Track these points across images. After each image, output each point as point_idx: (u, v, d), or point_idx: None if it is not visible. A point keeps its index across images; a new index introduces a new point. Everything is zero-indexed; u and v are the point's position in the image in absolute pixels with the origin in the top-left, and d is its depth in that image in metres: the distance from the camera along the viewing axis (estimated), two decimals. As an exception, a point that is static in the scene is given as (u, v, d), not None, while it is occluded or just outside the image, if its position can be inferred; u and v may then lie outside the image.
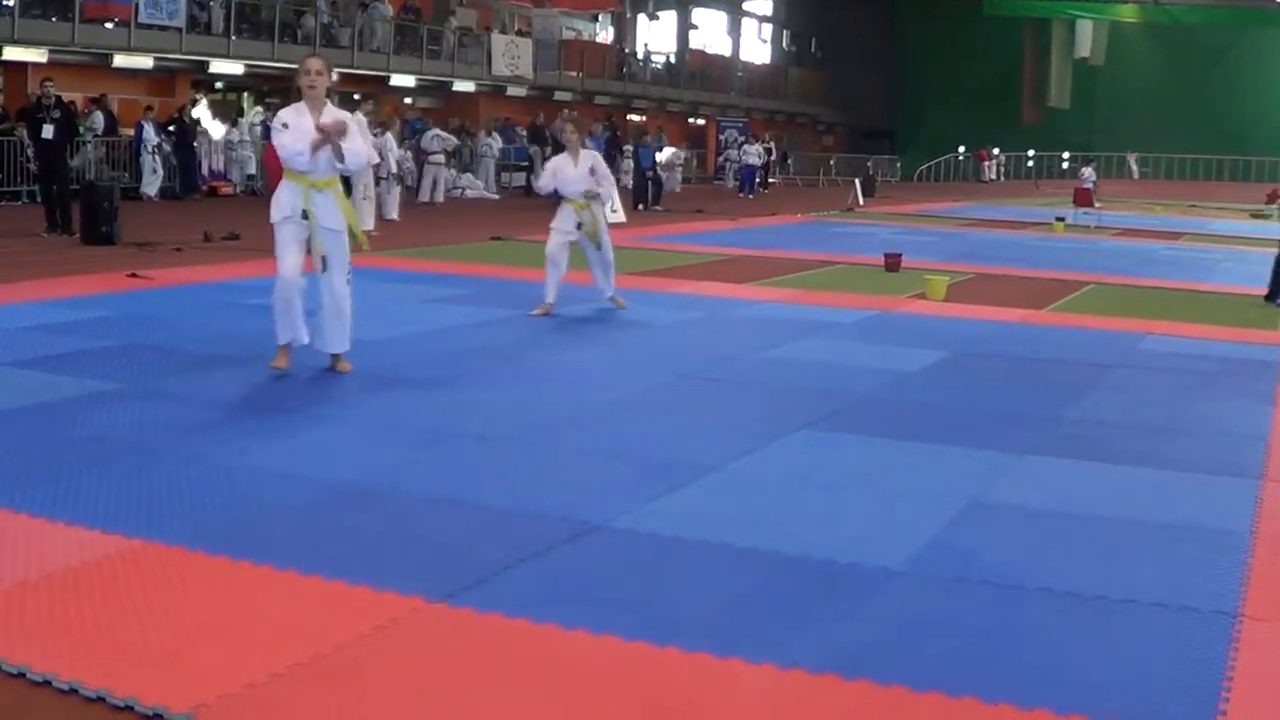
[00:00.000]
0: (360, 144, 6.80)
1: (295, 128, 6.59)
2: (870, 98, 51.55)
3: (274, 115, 7.03)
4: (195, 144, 22.68)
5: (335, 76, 6.76)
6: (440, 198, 23.91)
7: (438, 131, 24.46)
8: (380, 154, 16.97)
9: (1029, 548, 4.38)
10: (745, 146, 34.02)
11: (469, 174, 27.38)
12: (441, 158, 24.17)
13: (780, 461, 5.47)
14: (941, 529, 4.54)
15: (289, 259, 6.68)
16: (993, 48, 49.53)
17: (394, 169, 18.87)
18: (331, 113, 6.66)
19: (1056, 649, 3.49)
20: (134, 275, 10.72)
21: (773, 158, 36.69)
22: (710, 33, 47.02)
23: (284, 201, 6.72)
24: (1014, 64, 50.70)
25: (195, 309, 9.16)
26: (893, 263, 13.99)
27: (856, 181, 31.87)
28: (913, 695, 3.15)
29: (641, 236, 17.64)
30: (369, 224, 16.06)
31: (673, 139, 37.46)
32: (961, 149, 49.57)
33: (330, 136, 6.48)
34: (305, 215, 6.63)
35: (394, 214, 18.52)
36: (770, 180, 35.93)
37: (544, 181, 10.19)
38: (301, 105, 6.70)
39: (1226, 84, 48.51)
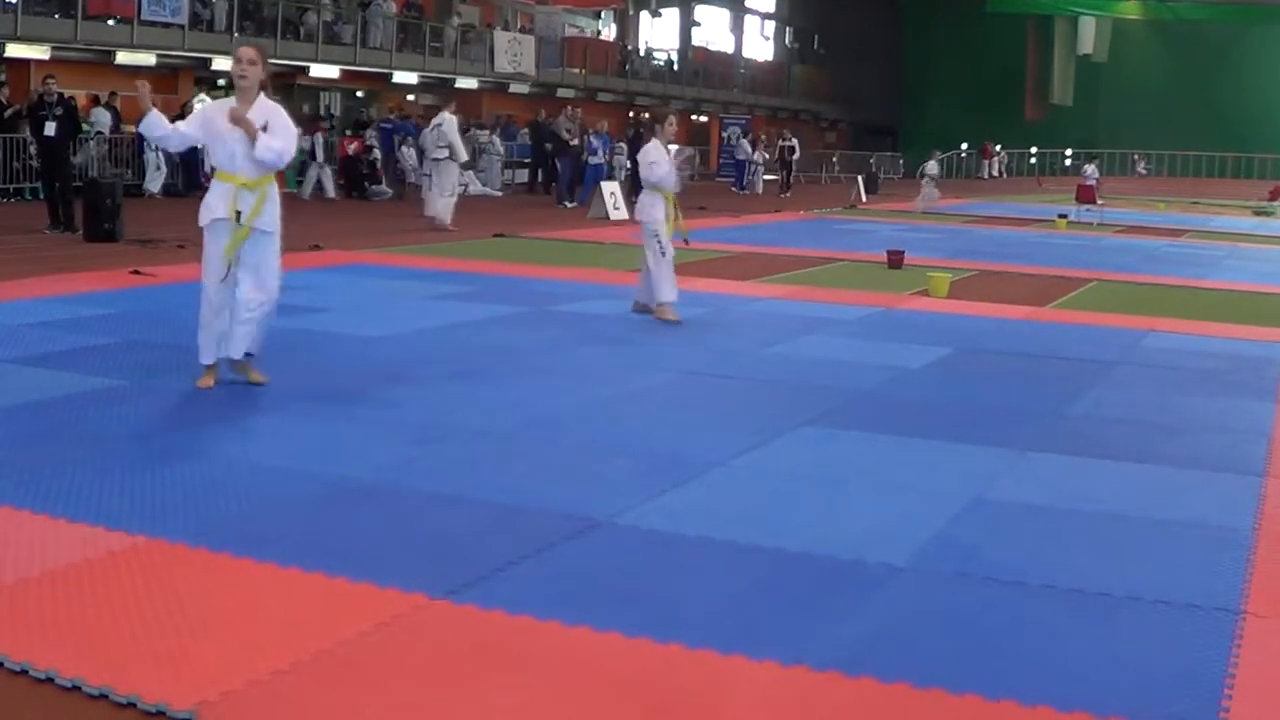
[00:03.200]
0: (279, 141, 6.21)
1: (200, 118, 6.37)
2: (873, 95, 51.52)
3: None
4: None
5: (265, 71, 6.29)
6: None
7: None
8: (442, 141, 17.72)
9: (1031, 544, 4.38)
10: (741, 142, 33.86)
11: (470, 170, 27.41)
12: (444, 153, 24.21)
13: (783, 458, 5.47)
14: (944, 526, 4.54)
15: (218, 267, 6.26)
16: (996, 44, 49.48)
17: (466, 156, 19.62)
18: (262, 106, 6.23)
19: (1059, 646, 3.48)
20: (137, 272, 10.72)
21: (796, 156, 33.01)
22: (713, 30, 47.01)
23: (212, 203, 6.25)
24: (1017, 61, 50.66)
25: (198, 306, 9.14)
26: (895, 260, 13.98)
27: (859, 178, 31.83)
28: (915, 692, 3.15)
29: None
30: (447, 219, 16.88)
31: (676, 136, 37.33)
32: (964, 146, 49.54)
33: (243, 125, 6.13)
34: (238, 218, 6.18)
35: (446, 218, 18.89)
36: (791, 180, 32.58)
37: (658, 171, 9.25)
38: (229, 100, 6.32)
39: (1229, 81, 48.46)
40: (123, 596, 3.55)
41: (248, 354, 6.40)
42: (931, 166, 29.85)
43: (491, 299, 10.10)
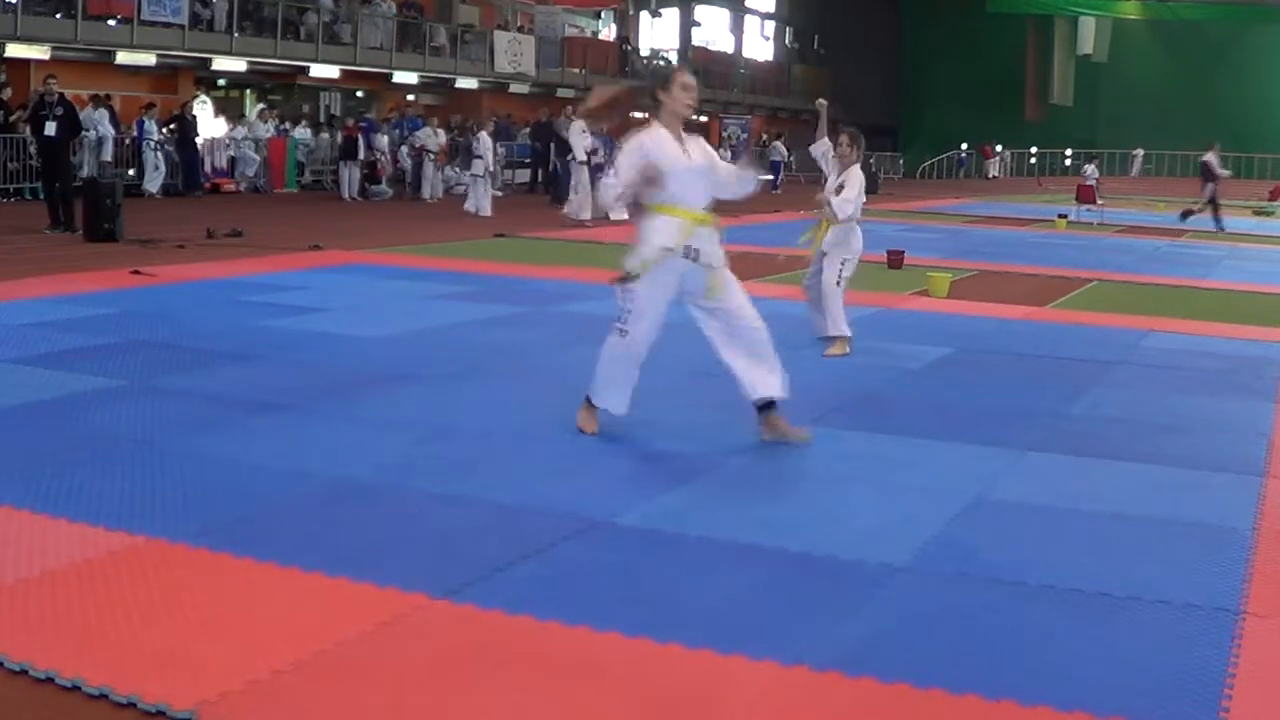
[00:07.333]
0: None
1: (641, 156, 5.49)
2: (873, 95, 51.46)
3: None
4: (197, 139, 22.66)
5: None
6: (439, 193, 24.10)
7: (427, 129, 24.63)
8: (479, 153, 19.58)
9: (1032, 544, 4.38)
10: (776, 144, 34.21)
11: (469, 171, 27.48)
12: (433, 155, 24.32)
13: (783, 458, 5.47)
14: (944, 525, 4.54)
15: (652, 316, 5.70)
16: (996, 44, 49.45)
17: (490, 166, 20.71)
18: (694, 138, 5.69)
19: (1059, 646, 3.48)
20: (137, 272, 10.72)
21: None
22: (713, 30, 47.00)
23: (670, 233, 5.58)
24: (1017, 61, 50.64)
25: (198, 306, 9.17)
26: (895, 260, 13.98)
27: (859, 178, 31.63)
28: (915, 692, 3.15)
29: (644, 233, 17.60)
30: (584, 215, 18.53)
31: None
32: (964, 146, 49.54)
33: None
34: (691, 256, 5.65)
35: (488, 210, 19.73)
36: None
37: (848, 209, 8.96)
38: (661, 132, 5.53)
39: (1230, 81, 48.45)
40: (123, 597, 3.55)
41: (771, 402, 5.63)
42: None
43: (491, 299, 10.10)
